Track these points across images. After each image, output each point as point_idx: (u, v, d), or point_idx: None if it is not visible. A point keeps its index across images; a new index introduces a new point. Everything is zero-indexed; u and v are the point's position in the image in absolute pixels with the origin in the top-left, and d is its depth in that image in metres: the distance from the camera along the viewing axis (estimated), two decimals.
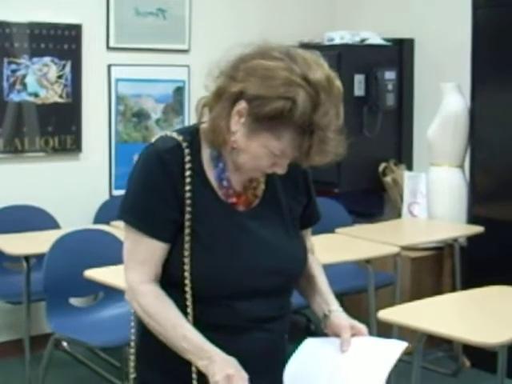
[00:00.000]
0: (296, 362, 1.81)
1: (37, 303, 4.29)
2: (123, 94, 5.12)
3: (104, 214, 4.81)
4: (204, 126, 1.78)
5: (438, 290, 4.64)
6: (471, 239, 4.64)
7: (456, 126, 4.79)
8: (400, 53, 5.52)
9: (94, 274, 3.52)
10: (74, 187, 4.97)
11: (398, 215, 5.20)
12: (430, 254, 4.92)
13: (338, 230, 4.48)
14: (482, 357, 4.02)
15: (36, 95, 4.77)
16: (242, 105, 1.67)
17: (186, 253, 1.74)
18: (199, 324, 1.74)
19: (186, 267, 1.73)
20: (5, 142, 4.68)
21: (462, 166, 4.89)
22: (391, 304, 3.71)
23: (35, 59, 4.75)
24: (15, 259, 4.17)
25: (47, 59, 4.79)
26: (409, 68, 5.55)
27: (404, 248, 4.33)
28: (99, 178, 5.07)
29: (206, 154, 1.79)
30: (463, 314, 3.28)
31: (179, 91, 5.31)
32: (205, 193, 1.76)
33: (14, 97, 4.69)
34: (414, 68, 5.57)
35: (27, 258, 4.06)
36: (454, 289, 4.65)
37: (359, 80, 5.32)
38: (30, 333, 4.18)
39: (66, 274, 3.76)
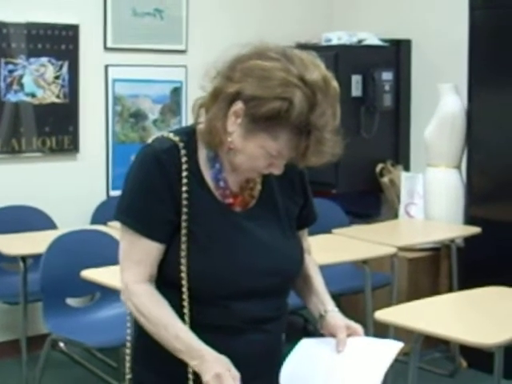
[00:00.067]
0: (292, 362, 1.81)
1: (33, 303, 4.29)
2: (120, 95, 5.11)
3: (101, 215, 4.81)
4: (200, 126, 1.78)
5: (434, 291, 4.63)
6: (468, 240, 4.64)
7: (453, 127, 4.79)
8: (397, 53, 5.52)
9: (91, 274, 3.51)
10: (71, 187, 4.96)
11: (395, 216, 5.20)
12: (426, 254, 4.91)
13: (334, 231, 4.48)
14: (478, 357, 4.02)
15: (33, 95, 4.76)
16: (238, 105, 1.67)
17: (183, 253, 1.74)
18: (196, 324, 1.74)
19: (183, 268, 1.73)
20: (2, 143, 4.67)
21: (458, 167, 4.89)
22: (388, 304, 3.71)
23: (32, 59, 4.74)
24: (12, 259, 4.16)
25: (44, 59, 4.78)
26: (406, 69, 5.55)
27: (401, 249, 4.32)
28: (96, 178, 5.07)
29: (202, 154, 1.79)
30: (460, 315, 3.29)
31: (176, 92, 5.31)
32: (201, 193, 1.76)
33: (11, 97, 4.69)
34: (411, 69, 5.57)
35: (24, 258, 4.05)
36: (450, 289, 4.65)
37: (356, 80, 5.32)
38: (26, 333, 4.17)
39: (62, 275, 3.76)
